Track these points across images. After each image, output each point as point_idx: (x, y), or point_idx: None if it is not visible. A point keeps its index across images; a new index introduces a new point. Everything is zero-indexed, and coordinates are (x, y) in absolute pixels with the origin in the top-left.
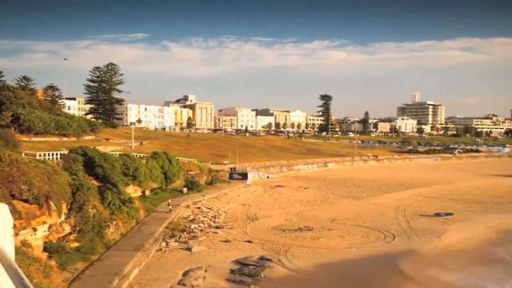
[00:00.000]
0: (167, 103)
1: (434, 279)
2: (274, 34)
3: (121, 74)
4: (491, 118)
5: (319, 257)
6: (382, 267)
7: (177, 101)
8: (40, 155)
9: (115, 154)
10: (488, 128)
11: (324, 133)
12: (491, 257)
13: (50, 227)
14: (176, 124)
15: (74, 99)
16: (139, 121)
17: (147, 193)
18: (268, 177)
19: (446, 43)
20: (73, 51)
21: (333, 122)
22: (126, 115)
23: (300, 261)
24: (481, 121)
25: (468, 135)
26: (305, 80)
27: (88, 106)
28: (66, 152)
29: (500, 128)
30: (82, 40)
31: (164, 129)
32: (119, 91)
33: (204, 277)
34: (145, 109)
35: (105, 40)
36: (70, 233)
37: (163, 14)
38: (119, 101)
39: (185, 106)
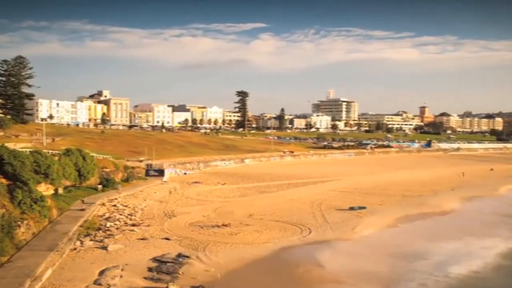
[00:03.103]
0: (80, 99)
1: (348, 269)
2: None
3: (31, 68)
4: (401, 115)
5: (237, 253)
6: (299, 260)
7: (91, 96)
8: None
9: (26, 151)
10: (398, 124)
11: (240, 129)
12: (398, 247)
13: None
14: (90, 120)
15: None
16: (50, 117)
17: (60, 191)
18: (185, 173)
19: None
20: (151, 41)
21: (250, 118)
22: (37, 110)
23: (218, 257)
24: (391, 118)
25: (380, 131)
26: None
27: None
28: None
29: (410, 124)
30: (173, 29)
31: (77, 125)
32: (29, 86)
33: (121, 276)
34: (57, 104)
35: (201, 29)
36: None
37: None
38: (29, 96)
39: (99, 102)
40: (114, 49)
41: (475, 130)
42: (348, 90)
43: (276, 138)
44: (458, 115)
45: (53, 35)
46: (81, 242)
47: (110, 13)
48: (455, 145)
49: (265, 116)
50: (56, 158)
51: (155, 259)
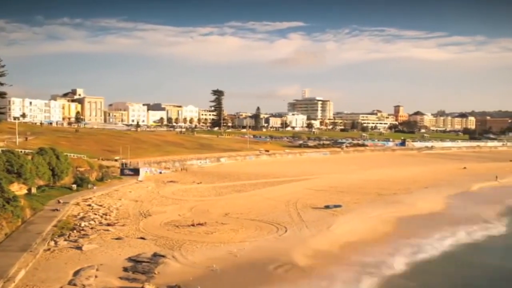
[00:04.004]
0: (53, 97)
1: (322, 267)
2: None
3: (3, 66)
4: (376, 114)
5: (213, 251)
6: (274, 259)
7: (65, 95)
8: None
9: None
10: (373, 123)
11: (216, 128)
12: (371, 245)
13: None
14: (64, 118)
15: None
16: (23, 115)
17: (34, 191)
18: (160, 172)
19: None
20: (177, 39)
21: (226, 117)
22: (10, 109)
23: (194, 256)
24: (366, 117)
25: (355, 130)
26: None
27: None
28: None
29: (384, 123)
30: (205, 28)
31: (51, 124)
32: (1, 84)
33: (96, 276)
34: (30, 103)
35: (235, 28)
36: None
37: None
38: (2, 95)
39: (73, 100)
40: (137, 46)
41: (448, 129)
42: (324, 89)
43: (251, 137)
44: (432, 114)
45: (81, 32)
46: (55, 242)
47: (149, 10)
48: (429, 144)
49: (241, 115)
50: (29, 157)
51: (130, 259)
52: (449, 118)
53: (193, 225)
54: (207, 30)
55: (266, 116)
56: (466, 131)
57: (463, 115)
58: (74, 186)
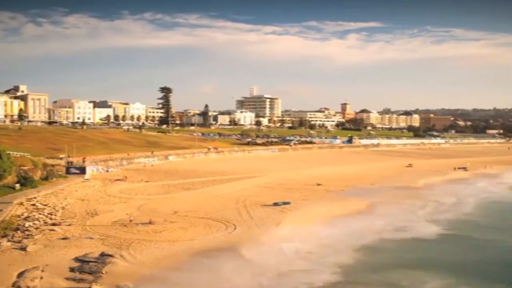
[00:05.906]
0: None
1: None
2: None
3: None
4: (323, 112)
5: (162, 250)
6: (223, 256)
7: (7, 91)
8: None
9: None
10: (321, 121)
11: (164, 126)
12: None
13: None
14: (6, 116)
15: None
16: None
17: None
18: (107, 171)
19: None
20: (238, 36)
21: (174, 115)
22: None
23: (143, 255)
24: (314, 114)
25: (303, 127)
26: None
27: None
28: None
29: (332, 121)
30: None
31: None
32: None
33: (41, 277)
34: None
35: (306, 27)
36: None
37: None
38: None
39: (16, 97)
40: (188, 42)
41: (394, 127)
42: (272, 86)
43: (200, 134)
44: (378, 112)
45: (147, 27)
46: None
47: (237, 8)
48: (375, 141)
49: (189, 113)
50: None
51: (77, 259)
52: (394, 116)
53: (142, 223)
54: (270, 29)
55: (214, 113)
56: (410, 128)
57: (407, 113)
58: (18, 185)
